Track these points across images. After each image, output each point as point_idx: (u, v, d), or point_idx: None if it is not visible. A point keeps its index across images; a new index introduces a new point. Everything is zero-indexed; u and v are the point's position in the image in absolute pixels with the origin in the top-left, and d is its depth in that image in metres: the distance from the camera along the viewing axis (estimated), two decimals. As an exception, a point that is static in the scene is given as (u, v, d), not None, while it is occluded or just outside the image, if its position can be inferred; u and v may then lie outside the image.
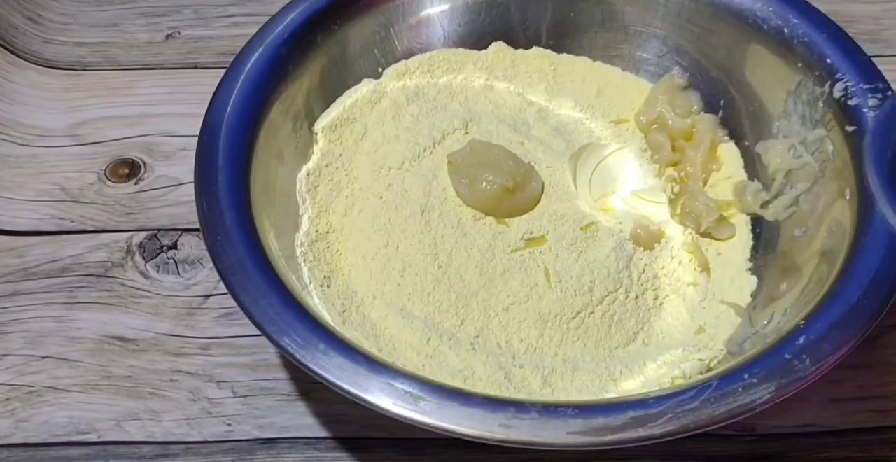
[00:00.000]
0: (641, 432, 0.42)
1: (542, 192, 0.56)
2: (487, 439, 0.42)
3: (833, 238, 0.50)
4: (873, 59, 0.53)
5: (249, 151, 0.51)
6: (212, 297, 0.57)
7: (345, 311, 0.51)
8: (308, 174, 0.56)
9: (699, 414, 0.42)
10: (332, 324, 0.48)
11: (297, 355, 0.44)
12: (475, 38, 0.61)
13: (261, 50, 0.55)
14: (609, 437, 0.42)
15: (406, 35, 0.60)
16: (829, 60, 0.53)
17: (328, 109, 0.58)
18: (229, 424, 0.53)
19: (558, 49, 0.62)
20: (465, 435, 0.42)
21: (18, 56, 0.69)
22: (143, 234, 0.60)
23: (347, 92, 0.59)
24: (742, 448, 0.52)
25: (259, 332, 0.45)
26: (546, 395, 0.48)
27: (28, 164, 0.63)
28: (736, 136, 0.59)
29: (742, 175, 0.58)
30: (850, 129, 0.51)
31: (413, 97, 0.59)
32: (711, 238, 0.56)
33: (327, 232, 0.54)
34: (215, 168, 0.50)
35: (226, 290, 0.47)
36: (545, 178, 0.56)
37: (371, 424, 0.52)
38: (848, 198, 0.50)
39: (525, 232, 0.54)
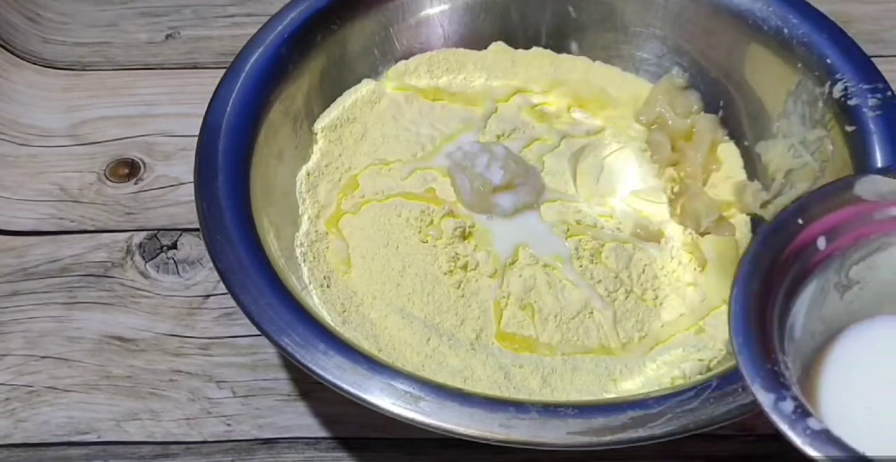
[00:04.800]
0: (641, 432, 0.42)
1: (543, 192, 0.56)
2: (487, 439, 0.42)
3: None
4: (873, 59, 0.53)
5: (249, 151, 0.51)
6: (212, 297, 0.57)
7: (344, 311, 0.51)
8: (308, 174, 0.56)
9: (699, 414, 0.42)
10: (331, 324, 0.48)
11: (297, 355, 0.44)
12: (475, 38, 0.61)
13: (261, 50, 0.54)
14: (609, 437, 0.42)
15: (406, 35, 0.60)
16: (829, 60, 0.53)
17: (328, 109, 0.58)
18: (229, 424, 0.53)
19: (558, 49, 0.62)
20: (464, 435, 0.42)
21: (17, 56, 0.69)
22: (143, 234, 0.60)
23: (347, 92, 0.59)
24: (742, 448, 0.52)
25: (259, 332, 0.45)
26: (546, 395, 0.48)
27: (27, 163, 0.63)
28: (736, 136, 0.59)
29: (742, 175, 0.58)
30: (849, 129, 0.51)
31: (413, 97, 0.59)
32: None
33: (327, 232, 0.54)
34: (215, 168, 0.50)
35: (226, 290, 0.47)
36: (545, 178, 0.56)
37: (370, 424, 0.52)
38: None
39: (525, 232, 0.54)
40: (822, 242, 0.36)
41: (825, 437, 0.30)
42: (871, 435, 0.33)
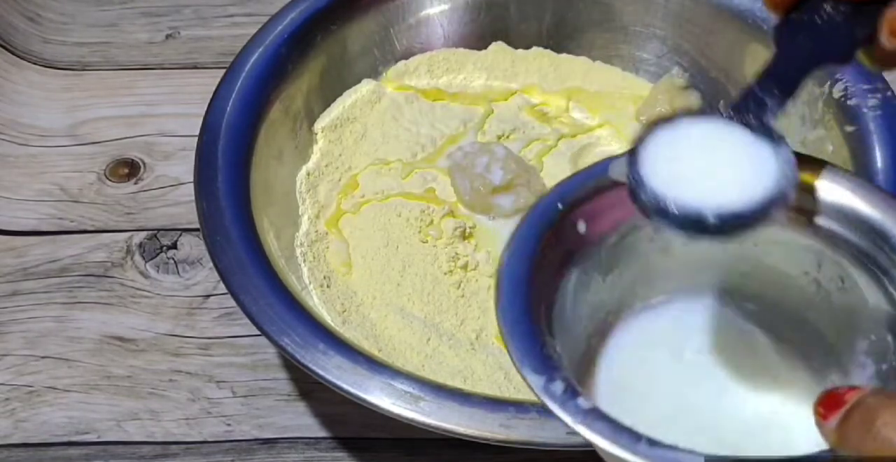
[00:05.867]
0: (641, 432, 0.42)
1: (543, 192, 0.56)
2: (487, 439, 0.42)
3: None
4: (873, 60, 0.53)
5: (249, 151, 0.51)
6: (212, 297, 0.57)
7: (344, 311, 0.51)
8: (308, 174, 0.56)
9: (699, 414, 0.42)
10: (331, 324, 0.48)
11: (297, 355, 0.44)
12: (475, 38, 0.62)
13: (261, 50, 0.55)
14: (609, 437, 0.42)
15: (406, 35, 0.60)
16: (828, 60, 0.53)
17: (328, 109, 0.58)
18: (229, 424, 0.53)
19: (558, 49, 0.62)
20: (465, 435, 0.42)
21: (18, 56, 0.69)
22: (143, 234, 0.60)
23: (347, 92, 0.59)
24: (742, 448, 0.52)
25: (259, 332, 0.45)
26: (546, 395, 0.48)
27: (27, 163, 0.63)
28: (736, 136, 0.59)
29: (742, 175, 0.58)
30: (849, 129, 0.51)
31: (413, 97, 0.59)
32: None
33: (327, 232, 0.54)
34: (215, 168, 0.50)
35: (226, 290, 0.47)
36: (545, 178, 0.56)
37: (371, 424, 0.52)
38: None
39: (525, 232, 0.54)
40: (582, 226, 0.37)
41: (595, 414, 0.31)
42: (642, 411, 0.34)
